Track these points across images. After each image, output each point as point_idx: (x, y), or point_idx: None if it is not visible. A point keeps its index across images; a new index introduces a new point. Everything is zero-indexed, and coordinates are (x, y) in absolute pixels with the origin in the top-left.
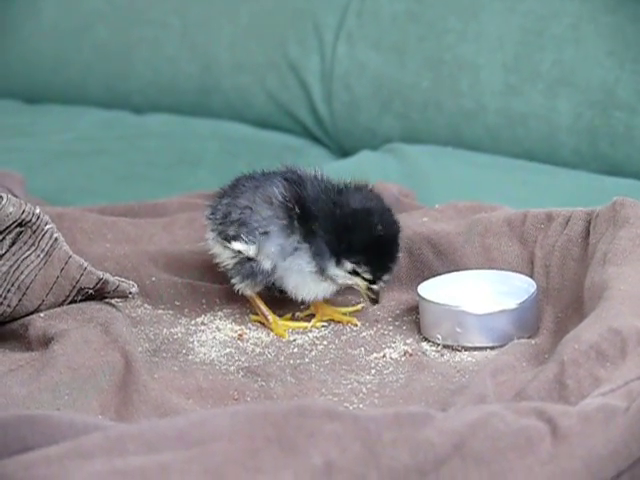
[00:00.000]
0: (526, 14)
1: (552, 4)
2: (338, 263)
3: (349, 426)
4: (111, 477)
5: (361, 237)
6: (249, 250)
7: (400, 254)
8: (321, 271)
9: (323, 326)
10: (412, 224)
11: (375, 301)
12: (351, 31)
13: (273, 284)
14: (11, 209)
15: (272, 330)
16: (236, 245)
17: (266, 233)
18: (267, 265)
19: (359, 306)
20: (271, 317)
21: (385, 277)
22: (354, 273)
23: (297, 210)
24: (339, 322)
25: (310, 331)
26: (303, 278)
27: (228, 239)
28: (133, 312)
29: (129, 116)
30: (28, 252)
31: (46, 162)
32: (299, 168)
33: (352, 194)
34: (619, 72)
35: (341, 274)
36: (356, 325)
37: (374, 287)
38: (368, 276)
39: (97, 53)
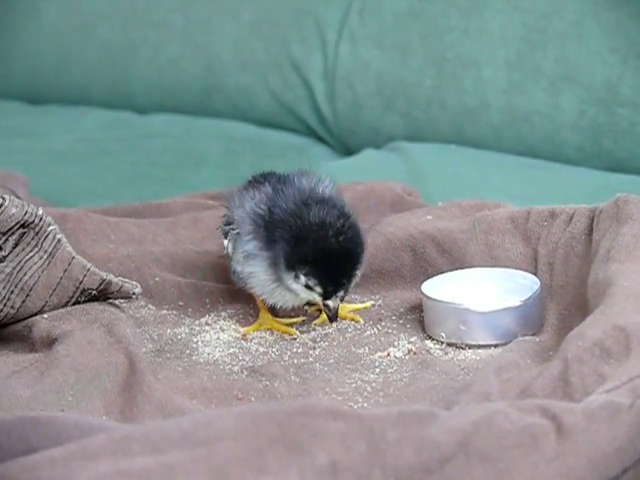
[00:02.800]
0: (529, 11)
1: (554, 1)
2: (296, 277)
3: (353, 425)
4: (116, 478)
5: (311, 250)
6: (227, 248)
7: (358, 272)
8: (279, 281)
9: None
10: (416, 222)
11: (331, 318)
12: (354, 30)
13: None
14: (14, 210)
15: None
16: (224, 242)
17: (238, 234)
18: (238, 267)
19: (368, 304)
20: (266, 313)
21: (340, 293)
22: (308, 287)
23: (266, 217)
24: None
25: (314, 330)
26: (266, 286)
27: (223, 234)
28: (137, 313)
29: (132, 117)
30: (31, 253)
31: (49, 163)
32: (306, 172)
33: (318, 207)
34: (622, 69)
35: (298, 288)
36: (293, 334)
37: (329, 303)
38: (319, 290)
39: (100, 54)
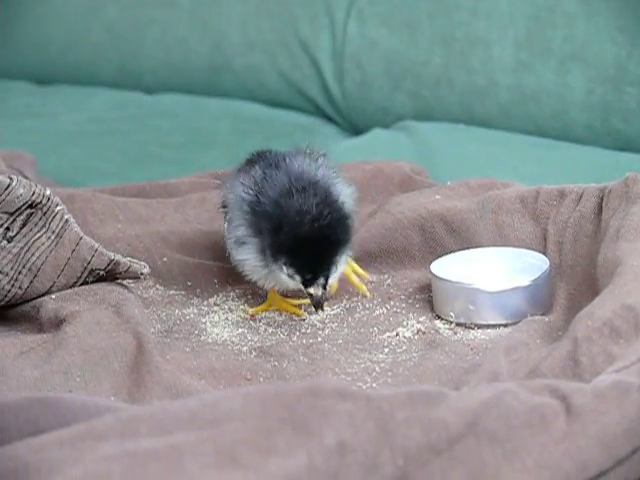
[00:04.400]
0: None
1: None
2: (279, 266)
3: (362, 406)
4: (123, 459)
5: (286, 239)
6: (224, 229)
7: (339, 258)
8: (269, 267)
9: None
10: (425, 202)
11: (315, 306)
12: (362, 9)
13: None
14: (21, 191)
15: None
16: (224, 224)
17: (230, 218)
18: (233, 251)
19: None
20: (274, 295)
21: (320, 281)
22: (290, 276)
23: (254, 203)
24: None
25: (322, 310)
26: (258, 272)
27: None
28: (145, 293)
29: (140, 96)
30: (39, 234)
31: (57, 143)
32: (302, 151)
33: (298, 194)
34: (631, 48)
35: (284, 276)
36: (301, 315)
37: (310, 291)
38: (298, 279)
39: (108, 33)
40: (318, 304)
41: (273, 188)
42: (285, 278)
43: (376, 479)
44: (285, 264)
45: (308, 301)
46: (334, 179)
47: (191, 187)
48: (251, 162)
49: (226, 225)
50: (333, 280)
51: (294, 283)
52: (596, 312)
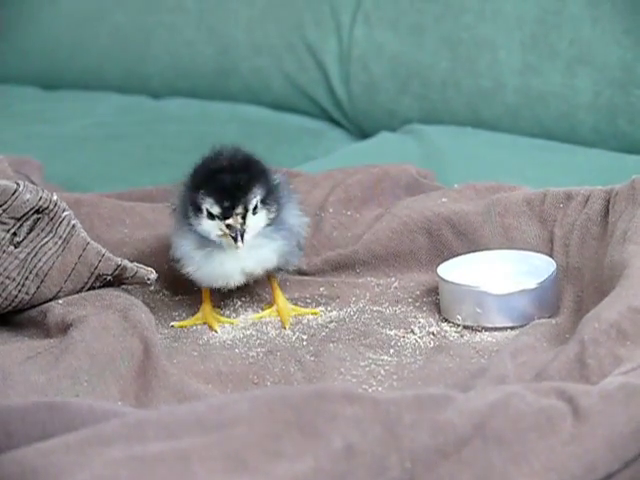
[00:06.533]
0: None
1: None
2: (197, 212)
3: (369, 409)
4: (130, 463)
5: (200, 174)
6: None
7: (255, 188)
8: (201, 241)
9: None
10: (431, 205)
11: (235, 238)
12: (368, 12)
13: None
14: (28, 196)
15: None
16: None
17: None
18: (175, 253)
19: (317, 310)
20: (206, 306)
21: (238, 210)
22: (210, 216)
23: (189, 192)
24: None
25: (329, 311)
26: (192, 258)
27: None
28: (152, 297)
29: (147, 101)
30: (46, 239)
31: (64, 148)
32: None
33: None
34: (637, 50)
35: (203, 223)
36: (216, 331)
37: (230, 222)
38: (217, 210)
39: (114, 38)
40: (237, 235)
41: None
42: (205, 226)
43: None
44: (202, 199)
45: (236, 321)
46: (286, 198)
47: None
48: None
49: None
50: (251, 226)
51: (215, 226)
52: (603, 314)
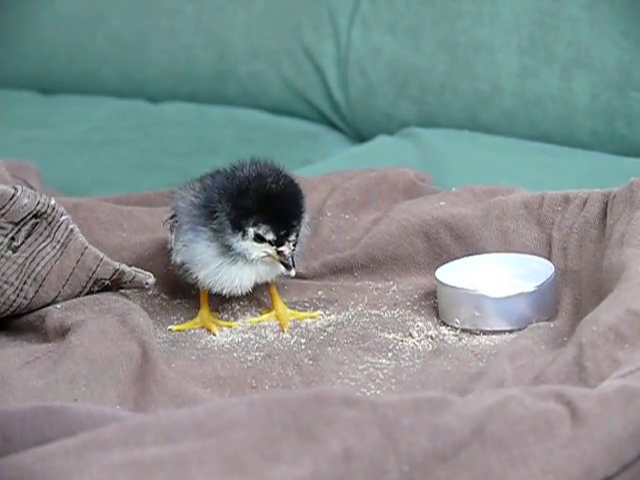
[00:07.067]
0: None
1: None
2: (244, 235)
3: (367, 413)
4: (129, 468)
5: (255, 198)
6: (171, 241)
7: (305, 216)
8: (225, 250)
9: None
10: (429, 208)
11: (287, 266)
12: (366, 15)
13: (194, 284)
14: (26, 200)
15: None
16: (170, 235)
17: (179, 226)
18: (178, 258)
19: (316, 314)
20: (204, 310)
21: (291, 237)
22: (259, 239)
23: (201, 202)
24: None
25: (328, 315)
26: (210, 266)
27: (169, 229)
28: (150, 302)
29: (144, 105)
30: (44, 244)
31: (62, 153)
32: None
33: (245, 168)
34: (635, 52)
35: (249, 245)
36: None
37: (283, 249)
38: (271, 237)
39: (112, 42)
40: (290, 262)
41: (222, 180)
42: (250, 248)
43: None
44: (255, 224)
45: (236, 324)
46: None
47: None
48: (204, 177)
49: (173, 236)
50: (297, 249)
51: (254, 258)
52: (601, 317)
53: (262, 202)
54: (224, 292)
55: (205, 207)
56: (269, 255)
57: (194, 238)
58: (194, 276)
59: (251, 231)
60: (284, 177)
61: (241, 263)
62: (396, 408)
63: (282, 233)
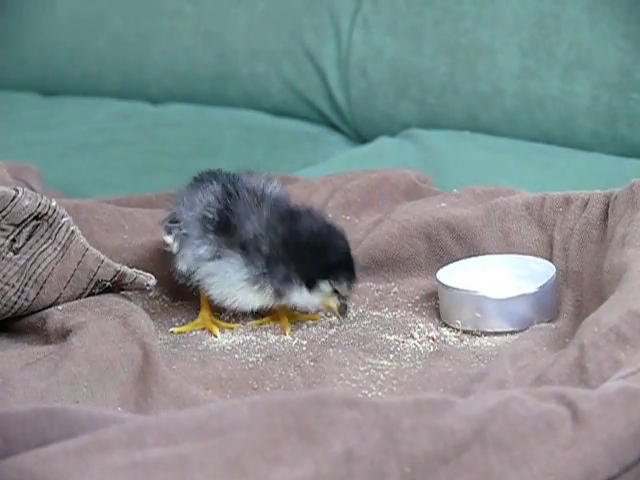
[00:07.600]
0: None
1: None
2: (311, 287)
3: (368, 414)
4: (130, 470)
5: (335, 258)
6: (173, 246)
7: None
8: (254, 280)
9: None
10: (430, 209)
11: (344, 314)
12: (367, 17)
13: (195, 288)
14: (27, 202)
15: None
16: (167, 238)
17: (186, 235)
18: (184, 267)
19: (317, 315)
20: (205, 311)
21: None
22: (334, 292)
23: (216, 219)
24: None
25: (329, 316)
26: (231, 287)
27: (166, 231)
28: (151, 303)
29: (145, 106)
30: (45, 245)
31: (63, 154)
32: (253, 172)
33: (302, 217)
34: (635, 54)
35: (315, 297)
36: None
37: (344, 300)
38: (346, 292)
39: (113, 44)
40: (347, 309)
41: (258, 213)
42: (315, 299)
43: None
44: (336, 280)
45: (236, 326)
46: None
47: None
48: (203, 181)
49: (174, 240)
50: None
51: (316, 304)
52: (602, 318)
53: (341, 262)
54: (232, 308)
55: (231, 234)
56: (328, 306)
57: (217, 260)
58: (205, 289)
59: (327, 286)
60: (335, 229)
61: (268, 291)
62: (397, 409)
63: (352, 287)
